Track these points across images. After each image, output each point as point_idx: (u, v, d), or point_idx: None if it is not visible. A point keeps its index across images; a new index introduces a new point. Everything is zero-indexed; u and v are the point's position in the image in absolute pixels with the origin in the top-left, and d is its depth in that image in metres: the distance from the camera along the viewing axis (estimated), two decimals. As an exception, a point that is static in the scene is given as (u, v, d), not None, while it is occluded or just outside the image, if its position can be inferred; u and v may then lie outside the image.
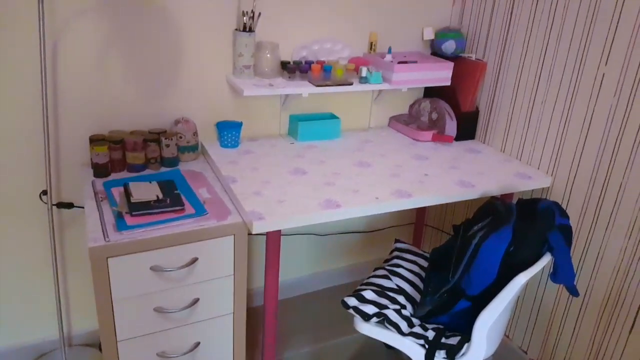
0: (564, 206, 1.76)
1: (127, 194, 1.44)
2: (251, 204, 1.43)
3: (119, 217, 1.37)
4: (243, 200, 1.45)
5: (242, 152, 1.80)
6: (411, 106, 2.19)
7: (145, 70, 1.70)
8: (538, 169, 1.83)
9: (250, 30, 1.72)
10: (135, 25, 1.64)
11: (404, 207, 1.54)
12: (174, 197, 1.45)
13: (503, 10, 1.89)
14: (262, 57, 1.77)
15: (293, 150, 1.85)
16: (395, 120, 2.13)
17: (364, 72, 1.83)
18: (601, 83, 1.58)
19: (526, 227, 1.38)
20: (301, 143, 1.92)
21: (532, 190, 1.85)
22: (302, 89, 1.75)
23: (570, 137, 1.71)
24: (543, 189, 1.82)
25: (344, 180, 1.62)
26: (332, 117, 2.03)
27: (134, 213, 1.36)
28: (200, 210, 1.43)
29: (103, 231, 1.32)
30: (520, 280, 1.30)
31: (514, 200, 1.91)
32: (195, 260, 1.40)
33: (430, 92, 2.15)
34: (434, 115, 2.05)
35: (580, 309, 1.74)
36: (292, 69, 1.79)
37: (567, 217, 1.43)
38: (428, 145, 1.98)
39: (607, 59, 1.55)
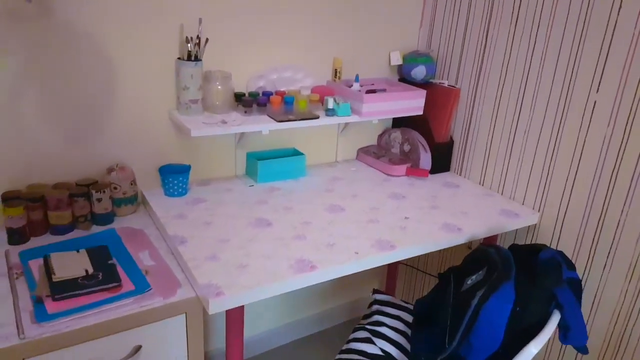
0: (553, 245, 1.60)
1: (48, 269, 1.14)
2: (206, 273, 1.17)
3: (38, 302, 1.07)
4: (195, 268, 1.18)
5: (191, 201, 1.53)
6: (380, 137, 2.00)
7: (69, 109, 1.41)
8: (523, 204, 1.67)
9: (197, 58, 1.47)
10: (55, 55, 1.34)
11: (388, 260, 1.33)
12: (107, 269, 1.17)
13: (477, 31, 1.73)
14: (211, 89, 1.52)
15: (253, 194, 1.60)
16: (364, 153, 1.93)
17: (331, 103, 1.61)
18: (592, 111, 1.44)
19: (530, 283, 1.20)
20: (262, 185, 1.67)
21: (516, 229, 1.69)
22: (262, 125, 1.51)
23: (558, 169, 1.55)
24: (529, 227, 1.66)
25: (316, 232, 1.38)
26: (296, 153, 1.80)
27: (56, 297, 1.07)
28: (141, 285, 1.15)
29: (17, 324, 1.03)
30: (532, 351, 1.11)
31: (499, 240, 1.76)
32: (138, 348, 1.12)
33: (400, 121, 1.96)
34: (407, 147, 1.86)
35: (576, 357, 1.58)
36: (248, 102, 1.55)
37: (574, 269, 1.26)
38: (402, 181, 1.78)
39: (599, 85, 1.41)
